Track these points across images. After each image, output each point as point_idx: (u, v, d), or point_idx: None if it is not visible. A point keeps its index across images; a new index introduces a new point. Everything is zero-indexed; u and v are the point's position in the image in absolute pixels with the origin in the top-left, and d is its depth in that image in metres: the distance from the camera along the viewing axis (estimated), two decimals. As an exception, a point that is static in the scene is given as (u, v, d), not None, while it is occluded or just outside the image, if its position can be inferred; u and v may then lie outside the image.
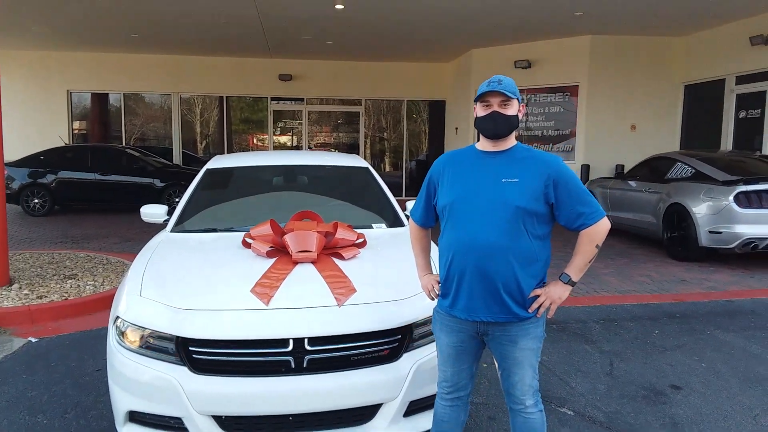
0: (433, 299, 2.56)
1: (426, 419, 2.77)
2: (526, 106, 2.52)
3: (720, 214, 6.98)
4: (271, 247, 3.19)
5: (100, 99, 15.17)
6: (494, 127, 2.31)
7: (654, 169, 8.78)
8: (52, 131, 14.45)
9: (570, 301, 5.79)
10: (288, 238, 3.16)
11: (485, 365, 4.07)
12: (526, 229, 2.27)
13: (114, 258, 6.97)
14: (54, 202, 11.83)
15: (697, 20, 10.68)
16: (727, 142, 11.13)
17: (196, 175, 12.10)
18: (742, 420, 3.36)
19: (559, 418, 3.37)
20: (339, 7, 9.69)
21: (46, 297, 5.23)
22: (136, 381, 2.62)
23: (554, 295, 2.30)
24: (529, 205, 2.25)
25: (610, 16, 10.41)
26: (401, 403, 2.69)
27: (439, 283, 2.48)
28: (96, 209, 12.81)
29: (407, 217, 4.16)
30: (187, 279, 2.94)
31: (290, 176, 4.49)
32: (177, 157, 15.23)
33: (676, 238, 7.76)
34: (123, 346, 2.71)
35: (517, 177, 2.28)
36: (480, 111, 2.35)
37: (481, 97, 2.33)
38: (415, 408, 2.76)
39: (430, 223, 2.60)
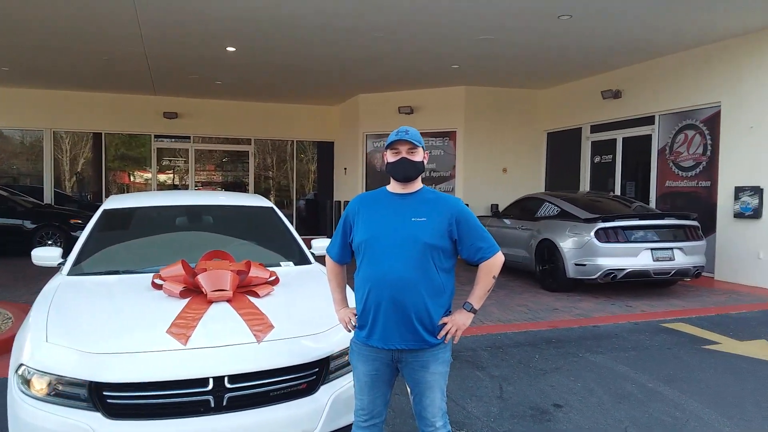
0: (350, 331, 2.74)
1: (344, 450, 2.91)
2: (427, 153, 2.79)
3: (583, 248, 7.81)
4: (183, 287, 3.22)
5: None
6: (403, 171, 2.59)
7: (525, 208, 9.62)
8: None
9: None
10: (201, 278, 3.21)
11: (396, 394, 4.26)
12: (434, 263, 2.54)
13: (-17, 306, 6.40)
14: None
15: (557, 76, 11.98)
16: (585, 183, 12.43)
17: (70, 215, 11.47)
18: None
19: (460, 440, 3.63)
20: (230, 49, 9.78)
21: None
22: (43, 430, 2.53)
23: (459, 322, 2.58)
24: (436, 241, 2.53)
25: (482, 70, 11.41)
26: (319, 435, 2.82)
27: (355, 315, 2.68)
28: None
29: (313, 254, 4.33)
30: (97, 322, 2.90)
31: (194, 216, 4.50)
32: (48, 197, 14.20)
33: (547, 270, 8.52)
34: (28, 395, 2.61)
35: (425, 216, 2.56)
36: (390, 157, 2.62)
37: (391, 145, 2.61)
38: (332, 439, 2.90)
39: (346, 259, 2.80)
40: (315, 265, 4.15)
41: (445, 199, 2.64)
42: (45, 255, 3.96)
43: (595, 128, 12.20)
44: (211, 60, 10.61)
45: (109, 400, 2.55)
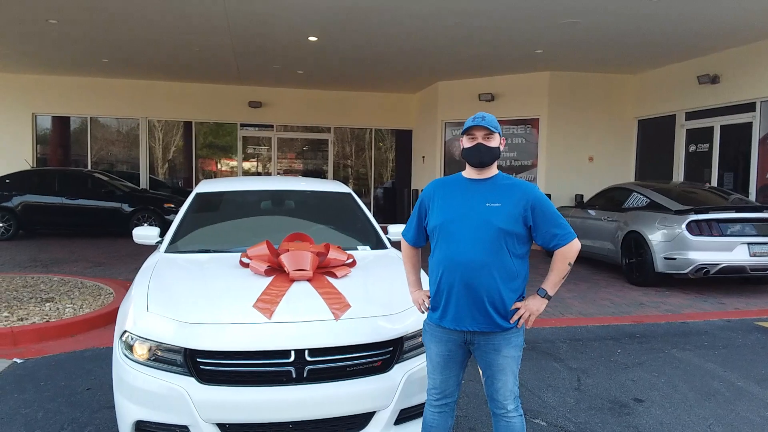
0: (423, 312, 2.80)
1: (415, 427, 2.98)
2: (504, 139, 2.76)
3: (674, 241, 7.46)
4: (268, 266, 3.39)
5: (65, 122, 15.05)
6: (479, 156, 2.61)
7: (612, 199, 9.28)
8: (15, 155, 14.23)
9: (538, 323, 6.10)
10: (284, 258, 3.37)
11: (463, 382, 4.30)
12: (507, 248, 2.55)
13: (89, 282, 6.97)
14: (19, 227, 11.64)
15: (649, 60, 11.41)
16: (678, 174, 11.81)
17: (164, 200, 12.21)
18: (698, 429, 3.66)
19: (534, 429, 3.62)
20: (312, 39, 10.02)
21: (27, 319, 5.25)
22: (144, 391, 2.76)
23: (533, 307, 2.58)
24: (510, 226, 2.54)
25: (567, 55, 11.04)
26: (392, 411, 2.90)
27: (429, 297, 2.73)
28: (62, 234, 12.64)
29: (389, 239, 4.43)
30: (191, 295, 3.11)
31: (278, 200, 4.70)
32: (144, 182, 15.17)
33: (633, 264, 8.21)
34: (131, 359, 2.85)
35: (500, 202, 2.57)
36: (466, 143, 2.65)
37: (467, 131, 2.63)
38: (405, 416, 2.97)
39: (421, 243, 2.86)
40: (391, 250, 4.24)
41: (520, 185, 2.64)
42: (145, 234, 4.27)
43: (690, 115, 11.55)
44: (293, 50, 10.91)
45: (201, 366, 2.75)
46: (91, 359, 4.59)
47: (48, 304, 5.80)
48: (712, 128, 10.98)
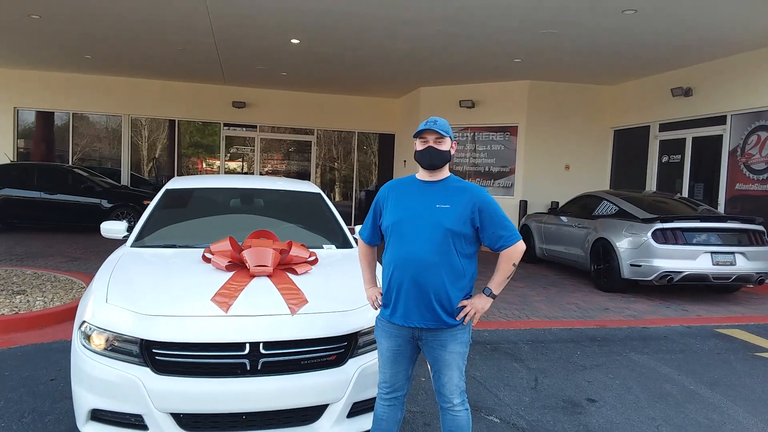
0: (376, 309, 2.91)
1: (367, 420, 3.08)
2: (457, 143, 2.86)
3: (640, 248, 7.65)
4: (229, 261, 3.47)
5: (48, 117, 14.98)
6: (429, 159, 2.73)
7: (583, 206, 9.47)
8: (-5, 148, 14.15)
9: (503, 324, 6.24)
10: (246, 254, 3.46)
11: (423, 379, 4.41)
12: (455, 249, 2.66)
13: (62, 276, 6.99)
14: (-4, 220, 11.59)
15: (625, 72, 11.66)
16: (651, 184, 12.06)
17: (144, 197, 12.21)
18: (646, 429, 3.79)
19: (487, 425, 3.73)
20: (295, 41, 10.11)
21: (-5, 310, 5.28)
22: (100, 380, 2.83)
23: (478, 305, 2.69)
24: (458, 227, 2.65)
25: (546, 65, 11.25)
26: (345, 404, 3.00)
27: (381, 294, 2.84)
28: (40, 228, 12.58)
29: (356, 239, 4.52)
30: (151, 288, 3.19)
31: (246, 199, 4.78)
32: (125, 179, 15.13)
33: (601, 270, 8.38)
34: (88, 349, 2.92)
35: (449, 203, 2.69)
36: (418, 146, 2.77)
37: (419, 134, 2.75)
38: (357, 409, 3.07)
39: (376, 241, 2.97)
40: (356, 249, 4.33)
41: (469, 188, 2.76)
42: (112, 228, 4.33)
43: (663, 126, 11.80)
44: (276, 51, 10.99)
45: (157, 357, 2.83)
46: (58, 351, 4.64)
47: (19, 296, 5.83)
48: (684, 140, 11.23)
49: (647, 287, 8.42)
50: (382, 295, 2.83)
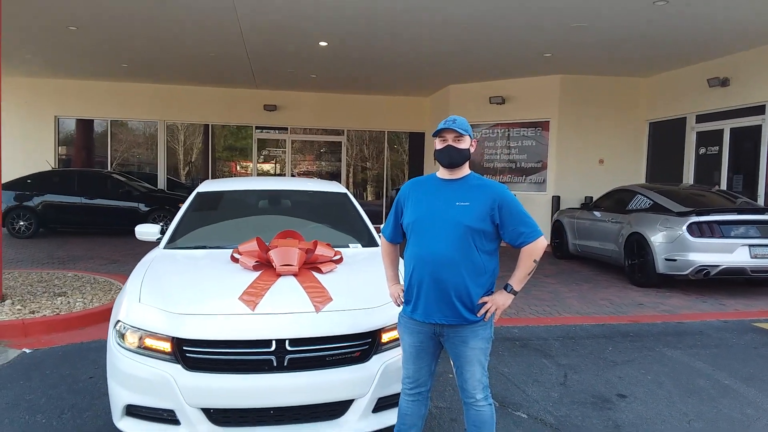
0: (398, 306, 2.95)
1: (392, 415, 3.12)
2: (477, 141, 2.85)
3: (675, 242, 7.49)
4: (257, 261, 3.56)
5: (87, 125, 15.49)
6: (449, 157, 2.75)
7: (617, 201, 9.32)
8: (38, 156, 14.68)
9: (533, 321, 6.20)
10: (272, 254, 3.54)
11: (451, 376, 4.43)
12: (475, 246, 2.68)
13: (101, 278, 7.24)
14: (39, 225, 12.03)
15: (659, 63, 11.41)
16: (688, 177, 11.77)
17: (180, 200, 12.50)
18: (677, 424, 3.74)
19: (514, 420, 3.73)
20: (323, 44, 10.22)
21: (38, 312, 5.51)
22: (134, 377, 2.94)
23: (499, 302, 2.71)
24: (477, 224, 2.67)
25: (577, 59, 11.10)
26: (370, 400, 3.05)
27: (403, 291, 2.88)
28: (81, 232, 13.02)
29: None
30: (181, 288, 3.30)
31: (274, 200, 4.88)
32: (162, 183, 15.53)
33: (636, 265, 8.24)
34: (123, 347, 3.03)
35: (469, 201, 2.71)
36: (438, 144, 2.79)
37: (439, 133, 2.78)
38: (382, 405, 3.11)
39: (398, 239, 3.01)
40: (381, 248, 4.38)
41: (489, 185, 2.77)
42: (146, 231, 4.48)
43: (700, 118, 11.51)
44: (305, 55, 11.13)
45: (188, 354, 2.92)
46: (97, 350, 4.81)
47: (60, 298, 6.06)
48: (722, 131, 10.94)
49: (683, 282, 8.25)
50: (404, 291, 2.87)
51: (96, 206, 12.13)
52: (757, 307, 7.04)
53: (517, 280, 2.74)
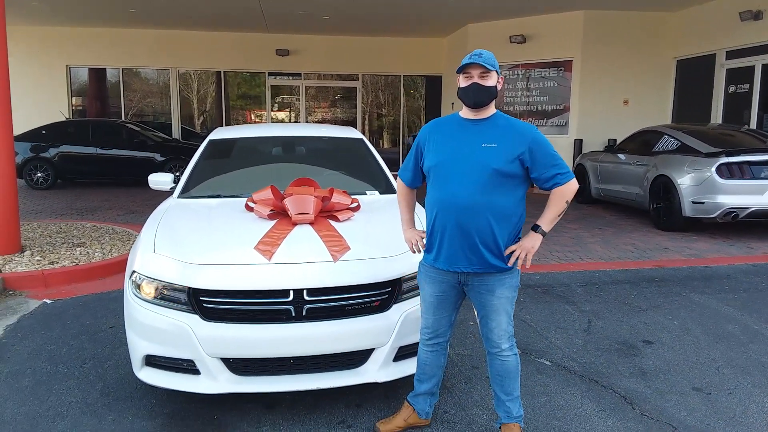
0: (414, 252, 2.83)
1: (412, 364, 3.06)
2: (504, 79, 2.68)
3: (703, 185, 7.25)
4: (271, 210, 3.46)
5: (100, 74, 15.29)
6: (474, 96, 2.55)
7: (642, 143, 9.02)
8: (51, 106, 14.58)
9: (555, 267, 6.09)
10: (287, 202, 3.43)
11: (472, 323, 4.37)
12: (502, 189, 2.53)
13: (120, 228, 7.24)
14: (56, 176, 12.06)
15: (689, -5, 10.82)
16: (717, 116, 11.34)
17: (195, 149, 12.40)
18: (706, 370, 3.65)
19: (537, 368, 3.67)
20: (335, -18, 9.82)
21: (57, 263, 5.52)
22: (152, 328, 2.90)
23: (527, 245, 2.57)
24: (505, 167, 2.51)
25: (603, -9, 10.56)
26: (391, 349, 2.99)
27: (422, 237, 2.76)
28: (97, 183, 13.05)
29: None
30: (196, 237, 3.22)
31: (289, 147, 4.74)
32: (176, 132, 15.42)
33: (661, 208, 8.03)
34: (139, 297, 2.98)
35: (496, 142, 2.54)
36: (462, 82, 2.59)
37: (463, 69, 2.57)
38: (403, 354, 3.06)
39: (417, 183, 2.87)
40: (399, 194, 4.25)
41: (517, 125, 2.59)
42: (159, 180, 4.38)
43: (731, 54, 10.97)
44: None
45: (205, 305, 2.86)
46: (117, 300, 4.82)
47: (79, 248, 6.07)
48: (753, 68, 10.43)
49: (710, 225, 8.05)
50: (424, 238, 2.75)
51: (112, 157, 12.08)
52: (787, 250, 6.86)
53: (548, 221, 2.60)
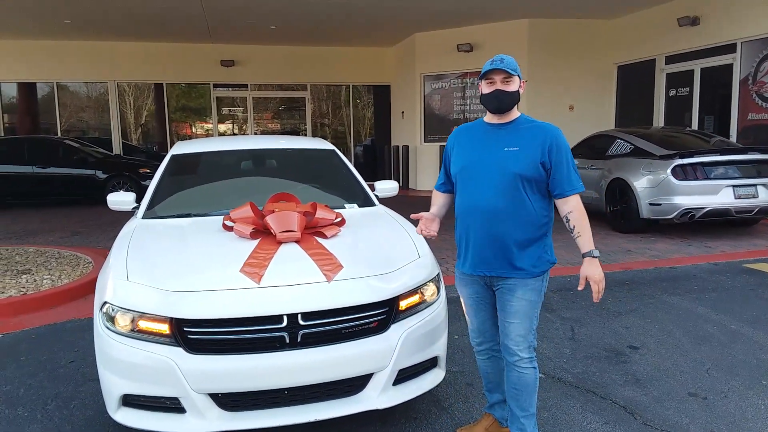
0: (419, 233, 2.71)
1: (414, 387, 2.90)
2: (524, 82, 2.63)
3: (659, 186, 7.43)
4: (253, 228, 3.23)
5: (30, 89, 14.44)
6: (497, 102, 2.50)
7: (595, 147, 9.20)
8: (-21, 123, 13.67)
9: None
10: (270, 219, 3.20)
11: (456, 337, 4.25)
12: (526, 193, 2.48)
13: (66, 251, 6.74)
14: (-12, 198, 11.25)
15: (627, 3, 11.19)
16: (658, 119, 11.76)
17: (140, 165, 11.87)
18: (696, 374, 3.64)
19: (532, 380, 3.57)
20: (284, -10, 9.61)
21: (3, 292, 5.05)
22: (129, 364, 2.62)
23: (596, 277, 2.48)
24: (527, 171, 2.45)
25: (544, 0, 10.75)
26: (391, 372, 2.81)
27: (431, 219, 2.69)
28: (35, 204, 12.25)
29: (377, 197, 4.29)
30: (173, 262, 2.94)
31: (259, 160, 4.50)
32: (117, 147, 14.72)
33: (618, 211, 8.19)
34: (113, 331, 2.69)
35: (518, 146, 2.48)
36: (485, 88, 2.53)
37: (485, 75, 2.51)
38: (403, 376, 2.89)
39: (452, 190, 2.81)
40: (379, 207, 4.10)
41: (540, 127, 2.54)
42: (120, 200, 4.04)
43: (670, 59, 11.42)
44: (263, 3, 10.46)
45: (189, 336, 2.61)
46: (73, 331, 4.44)
47: (24, 276, 5.59)
48: (692, 71, 10.89)
49: (665, 226, 8.26)
50: (433, 221, 2.69)
51: (50, 175, 11.37)
52: (742, 247, 7.09)
53: (590, 240, 2.53)
